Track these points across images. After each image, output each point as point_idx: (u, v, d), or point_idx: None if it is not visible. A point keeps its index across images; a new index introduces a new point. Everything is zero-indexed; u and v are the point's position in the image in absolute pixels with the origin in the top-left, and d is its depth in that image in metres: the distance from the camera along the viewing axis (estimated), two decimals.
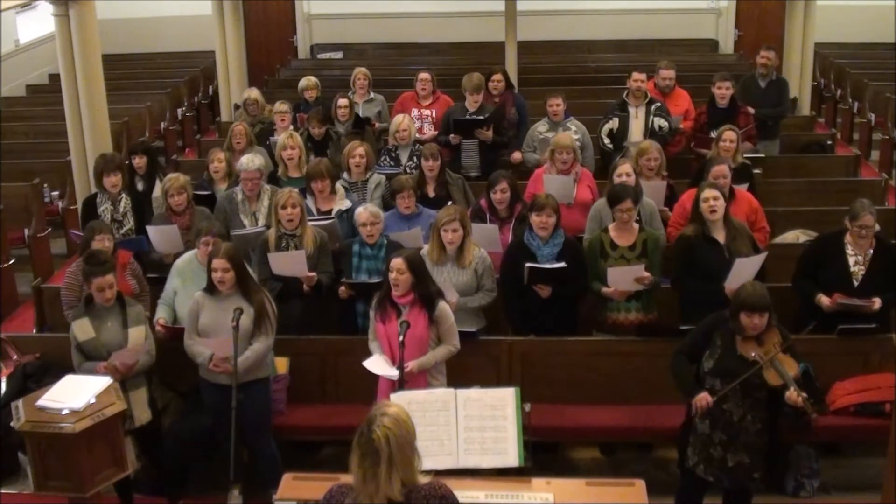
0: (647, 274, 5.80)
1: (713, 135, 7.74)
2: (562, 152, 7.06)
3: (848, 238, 5.85)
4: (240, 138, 8.05)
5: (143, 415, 5.43)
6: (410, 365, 5.06)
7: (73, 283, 5.99)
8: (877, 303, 5.70)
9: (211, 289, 5.38)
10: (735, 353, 4.76)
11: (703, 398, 4.76)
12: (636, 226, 6.06)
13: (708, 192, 5.89)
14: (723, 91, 8.35)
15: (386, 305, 5.24)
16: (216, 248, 5.41)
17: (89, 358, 5.31)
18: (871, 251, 5.82)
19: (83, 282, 5.46)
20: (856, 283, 5.78)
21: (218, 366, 5.26)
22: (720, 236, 5.91)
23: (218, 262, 5.30)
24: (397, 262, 5.11)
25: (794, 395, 4.64)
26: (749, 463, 4.79)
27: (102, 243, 5.87)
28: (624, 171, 6.56)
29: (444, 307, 5.27)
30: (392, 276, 5.13)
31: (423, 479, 3.33)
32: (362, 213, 6.09)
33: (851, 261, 5.82)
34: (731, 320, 4.78)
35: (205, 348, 5.32)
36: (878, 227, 7.34)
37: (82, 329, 5.33)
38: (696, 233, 5.93)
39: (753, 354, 4.71)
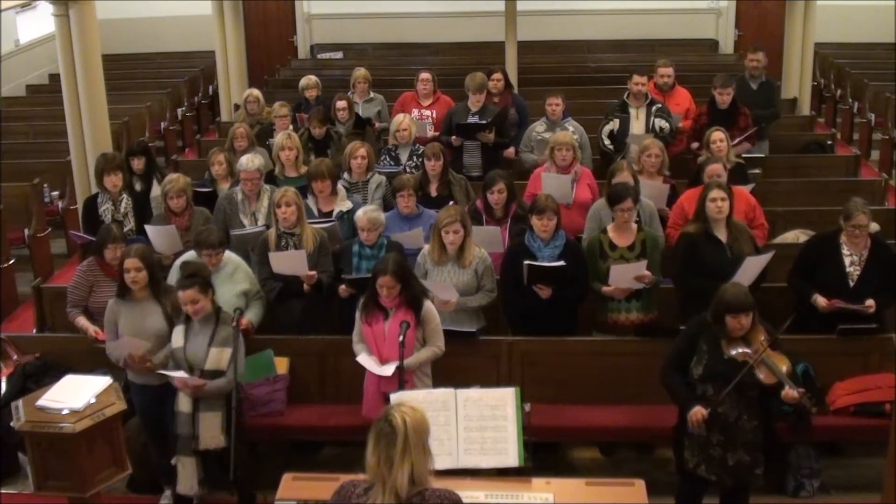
0: (648, 273, 5.81)
1: None
2: (561, 149, 7.08)
3: (843, 238, 5.84)
4: (241, 140, 8.02)
5: (212, 440, 5.15)
6: (394, 366, 5.09)
7: (81, 282, 5.99)
8: (872, 306, 5.71)
9: (122, 293, 5.41)
10: (723, 356, 4.73)
11: (698, 412, 4.73)
12: (635, 226, 6.07)
13: (715, 193, 5.89)
14: (723, 98, 8.37)
15: (372, 307, 5.27)
16: (127, 249, 5.46)
17: (176, 364, 5.21)
18: (867, 251, 5.81)
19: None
20: (851, 284, 5.78)
21: (134, 360, 5.28)
22: (722, 235, 5.92)
23: (130, 262, 5.33)
24: (385, 280, 5.14)
25: (790, 392, 4.64)
26: (749, 461, 4.78)
27: (114, 252, 5.86)
28: (621, 179, 6.50)
29: (429, 307, 5.29)
30: (383, 292, 5.17)
31: (435, 483, 3.30)
32: (362, 217, 6.08)
33: (847, 261, 5.81)
34: (715, 324, 4.75)
35: (118, 352, 5.33)
36: (878, 228, 7.38)
37: (177, 336, 5.25)
38: (699, 231, 5.94)
39: (741, 351, 4.68)
